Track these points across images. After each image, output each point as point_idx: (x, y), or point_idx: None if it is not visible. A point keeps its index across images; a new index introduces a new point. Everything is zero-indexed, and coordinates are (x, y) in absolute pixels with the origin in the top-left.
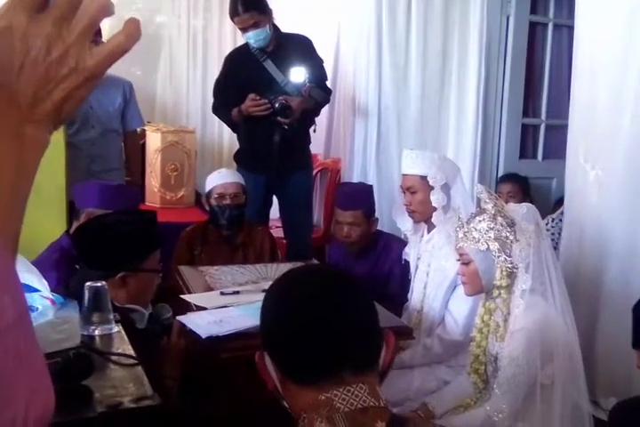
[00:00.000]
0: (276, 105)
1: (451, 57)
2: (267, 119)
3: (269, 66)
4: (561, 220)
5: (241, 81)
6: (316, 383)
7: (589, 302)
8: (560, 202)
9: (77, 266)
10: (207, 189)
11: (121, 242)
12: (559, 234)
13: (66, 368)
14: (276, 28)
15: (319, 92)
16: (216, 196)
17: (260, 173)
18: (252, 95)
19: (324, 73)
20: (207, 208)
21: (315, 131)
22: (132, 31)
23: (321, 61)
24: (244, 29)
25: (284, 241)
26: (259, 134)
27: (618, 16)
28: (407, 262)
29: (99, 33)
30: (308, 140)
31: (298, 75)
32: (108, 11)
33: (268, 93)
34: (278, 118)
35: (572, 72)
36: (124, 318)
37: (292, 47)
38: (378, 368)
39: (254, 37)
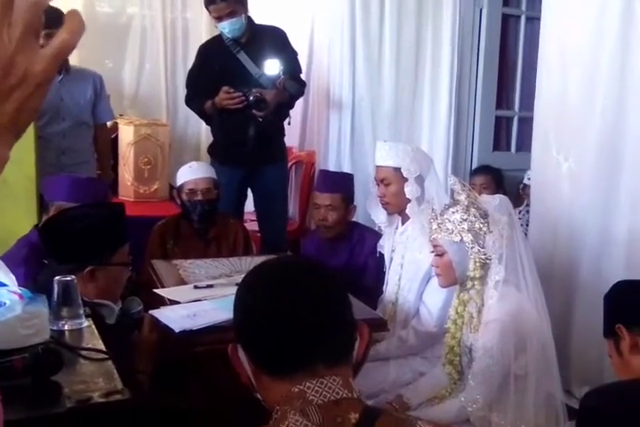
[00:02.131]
0: (251, 98)
1: (424, 49)
2: (241, 112)
3: (243, 58)
4: (528, 211)
5: (214, 73)
6: (289, 375)
7: (563, 293)
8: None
9: (45, 261)
10: (178, 183)
11: (89, 235)
12: (527, 225)
13: (34, 364)
14: (250, 20)
15: (293, 85)
16: (187, 191)
17: (234, 165)
18: (225, 88)
19: (298, 65)
20: (179, 202)
21: (289, 123)
22: (76, 26)
23: (295, 54)
24: (219, 18)
25: (259, 234)
26: (233, 127)
27: (588, 6)
28: (382, 255)
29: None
30: (282, 133)
31: (272, 67)
32: (44, 2)
33: (241, 86)
34: (253, 111)
35: (538, 64)
36: (93, 313)
37: (266, 39)
38: (351, 360)
39: (229, 27)
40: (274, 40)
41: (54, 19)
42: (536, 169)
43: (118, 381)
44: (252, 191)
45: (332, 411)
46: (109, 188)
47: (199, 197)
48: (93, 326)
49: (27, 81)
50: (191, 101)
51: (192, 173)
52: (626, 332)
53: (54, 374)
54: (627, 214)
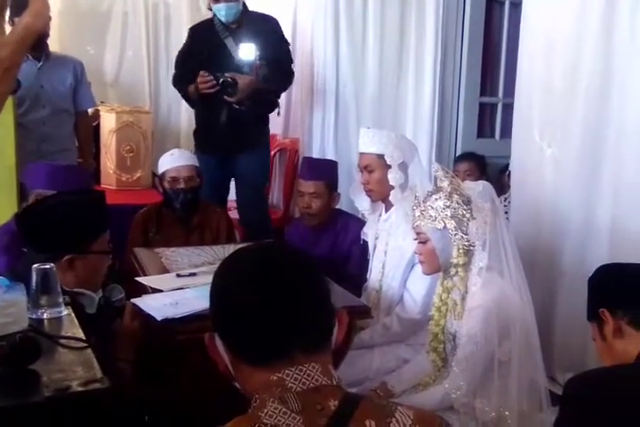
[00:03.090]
0: (220, 81)
1: (408, 35)
2: (216, 97)
3: (230, 44)
4: None
5: (200, 56)
6: (267, 363)
7: (546, 279)
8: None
9: (24, 249)
10: (160, 171)
11: (67, 224)
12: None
13: (12, 352)
14: (244, 6)
15: (265, 70)
16: (169, 179)
17: (211, 152)
18: (202, 72)
19: (287, 55)
20: (161, 190)
21: (279, 114)
22: (39, 8)
23: (286, 44)
24: (216, 0)
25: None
26: (208, 113)
27: None
28: (366, 242)
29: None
30: (261, 120)
31: (247, 51)
32: None
33: (224, 71)
34: (225, 97)
35: (519, 49)
36: (73, 302)
37: (256, 27)
38: (330, 347)
39: (226, 10)
40: (264, 28)
41: (25, 4)
42: (517, 155)
43: (98, 369)
44: (234, 179)
45: (312, 398)
46: (91, 176)
47: (181, 186)
48: (73, 315)
49: None
50: (177, 82)
51: (174, 161)
52: (609, 316)
53: (32, 362)
54: (610, 201)
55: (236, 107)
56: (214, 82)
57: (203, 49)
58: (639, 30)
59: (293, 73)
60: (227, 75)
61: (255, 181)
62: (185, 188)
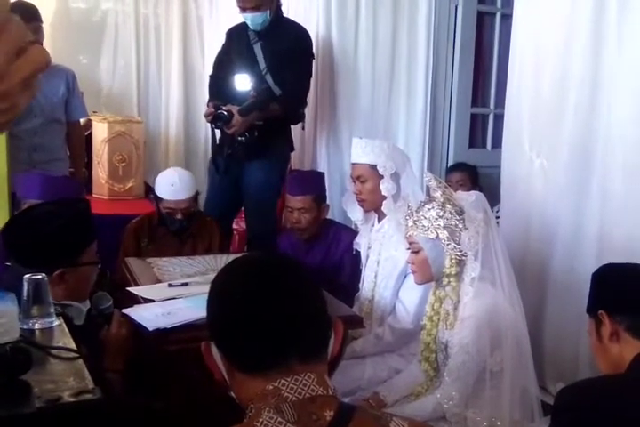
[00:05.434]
0: (217, 112)
1: (400, 46)
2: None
3: (257, 50)
4: None
5: (229, 59)
6: (263, 373)
7: (536, 289)
8: None
9: (8, 263)
10: (157, 192)
11: (53, 237)
12: None
13: (2, 363)
14: (277, 12)
15: (249, 104)
16: (166, 208)
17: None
18: (210, 103)
19: (303, 72)
20: (155, 205)
21: (303, 128)
22: (36, 58)
23: (306, 61)
24: (242, 9)
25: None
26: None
27: (560, 3)
28: (358, 252)
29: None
30: (270, 133)
31: (243, 83)
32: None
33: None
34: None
35: (510, 60)
36: (62, 314)
37: (287, 36)
38: (326, 357)
39: (251, 20)
40: (294, 40)
41: (29, 13)
42: (507, 165)
43: (89, 380)
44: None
45: (307, 408)
46: (83, 186)
47: (179, 216)
48: (64, 325)
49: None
50: (211, 85)
51: (174, 194)
52: (607, 319)
53: (23, 373)
54: (598, 211)
55: (238, 138)
56: (214, 114)
57: (232, 51)
58: (627, 43)
59: (307, 89)
60: (224, 108)
61: (256, 190)
62: (182, 218)
